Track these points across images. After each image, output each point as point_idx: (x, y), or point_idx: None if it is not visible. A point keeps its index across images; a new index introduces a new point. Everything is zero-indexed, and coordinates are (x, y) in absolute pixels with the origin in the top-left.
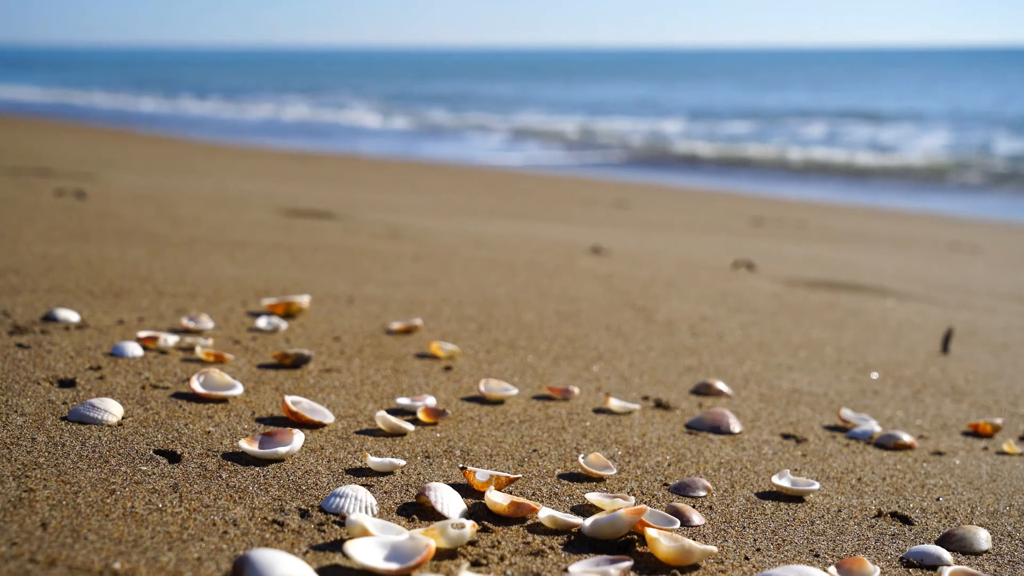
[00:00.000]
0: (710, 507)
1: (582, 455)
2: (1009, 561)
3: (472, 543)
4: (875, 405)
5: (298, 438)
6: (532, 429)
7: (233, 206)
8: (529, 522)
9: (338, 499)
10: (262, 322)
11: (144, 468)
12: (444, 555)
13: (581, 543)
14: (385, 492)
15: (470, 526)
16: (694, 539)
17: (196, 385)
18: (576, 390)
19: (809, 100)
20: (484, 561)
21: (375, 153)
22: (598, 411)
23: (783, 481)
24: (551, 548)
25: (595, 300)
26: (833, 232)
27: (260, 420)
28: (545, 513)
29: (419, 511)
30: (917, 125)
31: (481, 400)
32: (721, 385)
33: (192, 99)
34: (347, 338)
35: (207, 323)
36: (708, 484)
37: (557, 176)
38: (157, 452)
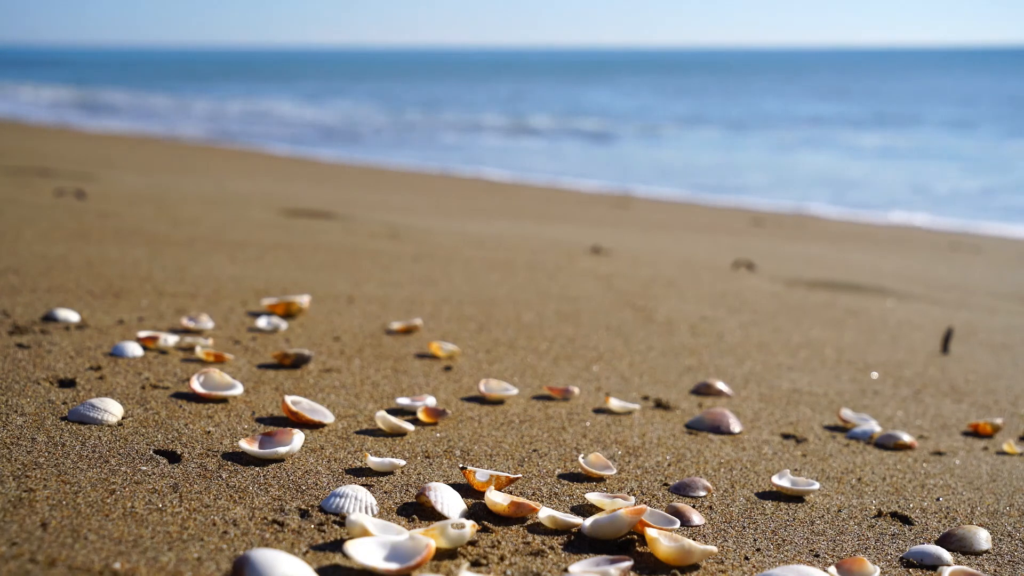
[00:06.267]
0: (710, 507)
1: (582, 455)
2: (1009, 561)
3: (472, 543)
4: (875, 405)
5: (298, 438)
6: (532, 429)
7: (233, 206)
8: (529, 522)
9: (338, 499)
10: (262, 322)
11: (144, 468)
12: (444, 555)
13: (581, 543)
14: (385, 492)
15: (470, 526)
16: (694, 539)
17: (196, 385)
18: (576, 390)
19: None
20: (484, 561)
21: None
22: (598, 411)
23: (783, 481)
24: (551, 548)
25: (595, 300)
26: (833, 232)
27: (260, 420)
28: (545, 513)
29: (419, 511)
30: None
31: (481, 400)
32: (721, 385)
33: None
34: (347, 338)
35: (207, 323)
36: (708, 484)
37: (555, 178)
38: (157, 452)
